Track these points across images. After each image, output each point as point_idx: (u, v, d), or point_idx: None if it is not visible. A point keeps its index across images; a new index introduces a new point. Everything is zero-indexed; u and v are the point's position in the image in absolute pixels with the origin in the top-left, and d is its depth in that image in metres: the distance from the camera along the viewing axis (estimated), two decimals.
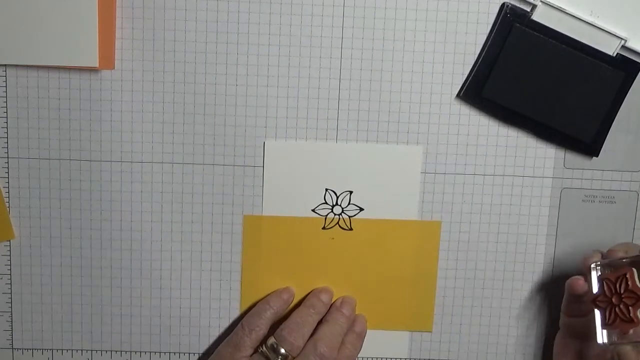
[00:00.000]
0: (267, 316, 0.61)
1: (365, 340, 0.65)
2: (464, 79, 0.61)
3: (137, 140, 0.61)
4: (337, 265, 0.64)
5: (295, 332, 0.60)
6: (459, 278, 0.64)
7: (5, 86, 0.60)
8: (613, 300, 0.54)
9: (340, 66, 0.61)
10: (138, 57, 0.60)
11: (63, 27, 0.57)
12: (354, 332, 0.63)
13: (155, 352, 0.65)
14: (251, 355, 0.60)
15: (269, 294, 0.63)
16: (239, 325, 0.61)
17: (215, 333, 0.65)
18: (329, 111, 0.62)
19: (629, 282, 0.53)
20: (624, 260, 0.54)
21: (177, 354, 0.65)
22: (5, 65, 0.60)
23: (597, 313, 0.54)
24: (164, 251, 0.63)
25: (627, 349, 0.53)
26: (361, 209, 0.63)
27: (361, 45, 0.61)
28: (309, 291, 0.64)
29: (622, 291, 0.53)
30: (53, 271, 0.63)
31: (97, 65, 0.58)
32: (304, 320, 0.61)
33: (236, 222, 0.63)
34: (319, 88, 0.61)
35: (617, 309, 0.53)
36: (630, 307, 0.53)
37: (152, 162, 0.62)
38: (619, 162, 0.63)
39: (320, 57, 0.61)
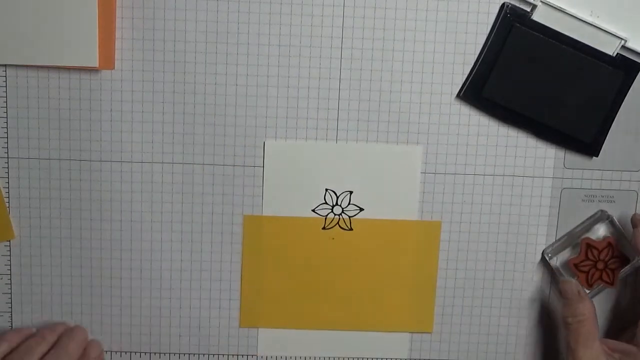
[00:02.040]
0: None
1: (365, 341, 0.65)
2: (464, 79, 0.61)
3: (137, 140, 0.61)
4: (337, 265, 0.64)
5: None
6: (459, 278, 0.64)
7: (5, 86, 0.60)
8: (597, 265, 0.62)
9: (340, 66, 0.61)
10: (138, 57, 0.60)
11: (63, 27, 0.57)
12: (89, 358, 0.62)
13: (155, 353, 0.65)
14: None
15: (7, 332, 0.62)
16: None
17: (215, 333, 0.65)
18: (329, 111, 0.62)
19: (614, 250, 0.62)
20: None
21: (177, 354, 0.65)
22: (5, 65, 0.60)
23: (578, 275, 0.62)
24: (164, 251, 0.63)
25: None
26: (361, 209, 0.63)
27: (361, 45, 0.61)
28: (308, 291, 0.64)
29: (607, 258, 0.62)
30: (53, 271, 0.63)
31: (97, 65, 0.58)
32: (29, 349, 0.59)
33: (236, 222, 0.63)
34: (319, 88, 0.61)
35: (603, 273, 0.62)
36: (614, 271, 0.62)
37: (152, 162, 0.62)
38: (619, 162, 0.63)
39: (320, 57, 0.61)
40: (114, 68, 0.60)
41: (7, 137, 0.61)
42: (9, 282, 0.64)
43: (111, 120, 0.61)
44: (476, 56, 0.61)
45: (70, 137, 0.61)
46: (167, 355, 0.65)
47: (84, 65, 0.58)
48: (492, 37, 0.60)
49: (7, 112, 0.61)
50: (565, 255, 0.64)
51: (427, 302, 0.65)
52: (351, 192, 0.63)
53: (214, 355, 0.65)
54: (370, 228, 0.63)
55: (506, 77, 0.60)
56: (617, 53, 0.60)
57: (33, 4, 0.57)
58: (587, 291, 0.63)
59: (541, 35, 0.60)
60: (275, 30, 0.60)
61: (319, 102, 0.61)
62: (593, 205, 0.63)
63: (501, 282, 0.65)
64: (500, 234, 0.64)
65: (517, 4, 0.60)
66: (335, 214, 0.63)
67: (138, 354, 0.65)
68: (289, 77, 0.61)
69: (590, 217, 0.63)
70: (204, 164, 0.62)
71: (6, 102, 0.61)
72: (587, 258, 0.62)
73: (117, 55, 0.60)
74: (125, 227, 0.63)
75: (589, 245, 0.62)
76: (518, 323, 0.65)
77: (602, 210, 0.63)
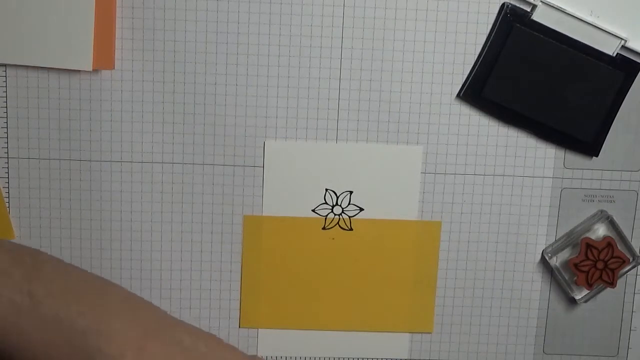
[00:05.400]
0: None
1: (365, 341, 0.65)
2: (464, 79, 0.61)
3: (137, 140, 0.61)
4: (337, 266, 0.64)
5: None
6: (459, 278, 0.64)
7: (5, 86, 0.60)
8: (597, 265, 0.62)
9: (340, 66, 0.61)
10: (138, 57, 0.60)
11: (60, 29, 0.57)
12: None
13: None
14: None
15: None
16: None
17: (215, 333, 0.65)
18: (329, 111, 0.62)
19: (614, 249, 0.62)
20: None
21: None
22: (5, 65, 0.60)
23: (578, 275, 0.62)
24: (164, 251, 0.63)
25: None
26: (361, 209, 0.63)
27: (361, 45, 0.61)
28: (308, 292, 0.64)
29: (607, 258, 0.62)
30: None
31: (90, 68, 0.58)
32: None
33: (236, 222, 0.63)
34: (319, 88, 0.61)
35: (602, 272, 0.62)
36: (614, 271, 0.62)
37: (152, 162, 0.62)
38: (619, 162, 0.63)
39: (320, 57, 0.61)
40: (113, 68, 0.60)
41: (7, 137, 0.61)
42: None
43: (111, 120, 0.61)
44: (476, 56, 0.61)
45: (70, 137, 0.61)
46: None
47: (78, 68, 0.58)
48: (492, 37, 0.60)
49: (7, 112, 0.61)
50: (565, 255, 0.64)
51: (427, 302, 0.65)
52: (351, 192, 0.63)
53: None
54: (370, 228, 0.63)
55: (506, 77, 0.60)
56: (617, 53, 0.60)
57: (32, 5, 0.57)
58: (587, 291, 0.63)
59: (541, 35, 0.60)
60: (275, 30, 0.60)
61: (319, 102, 0.61)
62: (593, 205, 0.63)
63: (501, 282, 0.65)
64: (500, 234, 0.64)
65: (517, 4, 0.60)
66: (335, 214, 0.63)
67: None
68: (289, 77, 0.61)
69: (590, 217, 0.63)
70: (204, 164, 0.62)
71: (6, 102, 0.61)
72: (587, 258, 0.62)
73: (117, 55, 0.60)
74: (125, 227, 0.63)
75: (589, 245, 0.62)
76: (518, 323, 0.65)
77: (602, 210, 0.63)
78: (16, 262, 0.55)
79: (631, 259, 0.63)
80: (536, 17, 0.59)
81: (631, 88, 0.61)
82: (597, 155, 0.62)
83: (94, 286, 0.57)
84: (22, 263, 0.56)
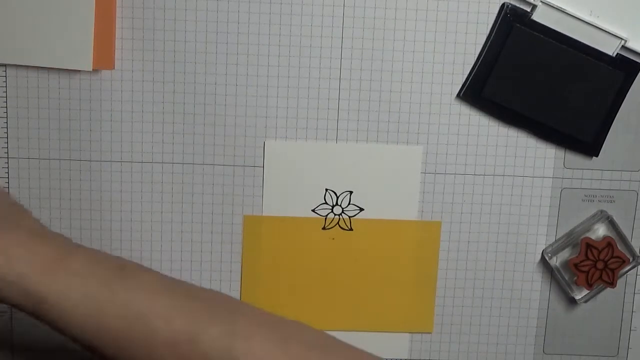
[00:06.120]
0: None
1: (365, 341, 0.65)
2: (464, 79, 0.61)
3: (137, 140, 0.62)
4: (337, 266, 0.64)
5: None
6: (459, 278, 0.64)
7: (5, 86, 0.60)
8: (597, 265, 0.62)
9: (340, 66, 0.61)
10: (138, 57, 0.60)
11: (60, 29, 0.58)
12: None
13: None
14: None
15: None
16: None
17: None
18: (329, 111, 0.62)
19: (614, 249, 0.62)
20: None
21: None
22: (5, 65, 0.60)
23: (578, 275, 0.62)
24: (164, 251, 0.63)
25: None
26: (361, 209, 0.63)
27: (361, 45, 0.61)
28: (308, 292, 0.64)
29: (607, 258, 0.62)
30: None
31: (90, 68, 0.58)
32: None
33: (236, 222, 0.63)
34: (319, 88, 0.61)
35: (602, 272, 0.62)
36: (614, 271, 0.62)
37: (152, 162, 0.62)
38: (619, 162, 0.63)
39: (320, 57, 0.61)
40: (113, 68, 0.60)
41: (7, 137, 0.61)
42: None
43: (111, 120, 0.61)
44: (476, 56, 0.61)
45: (70, 137, 0.61)
46: None
47: (78, 69, 0.58)
48: (492, 37, 0.60)
49: (7, 112, 0.61)
50: (565, 255, 0.64)
51: (427, 302, 0.65)
52: (351, 192, 0.63)
53: None
54: (370, 228, 0.63)
55: (506, 77, 0.60)
56: (617, 53, 0.60)
57: (32, 5, 0.57)
58: (587, 291, 0.63)
59: (541, 35, 0.60)
60: (275, 30, 0.60)
61: (319, 102, 0.61)
62: (593, 205, 0.63)
63: (501, 282, 0.65)
64: (500, 234, 0.64)
65: (517, 4, 0.60)
66: (335, 214, 0.63)
67: None
68: (289, 77, 0.61)
69: (590, 217, 0.63)
70: (204, 164, 0.62)
71: (6, 102, 0.61)
72: (587, 258, 0.62)
73: (117, 55, 0.60)
74: (125, 227, 0.63)
75: (589, 245, 0.62)
76: (518, 323, 0.65)
77: (602, 210, 0.63)
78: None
79: (631, 259, 0.63)
80: (536, 17, 0.59)
81: (631, 88, 0.61)
82: (597, 155, 0.62)
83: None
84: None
